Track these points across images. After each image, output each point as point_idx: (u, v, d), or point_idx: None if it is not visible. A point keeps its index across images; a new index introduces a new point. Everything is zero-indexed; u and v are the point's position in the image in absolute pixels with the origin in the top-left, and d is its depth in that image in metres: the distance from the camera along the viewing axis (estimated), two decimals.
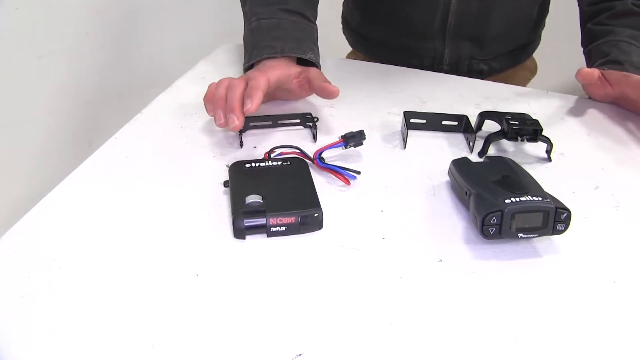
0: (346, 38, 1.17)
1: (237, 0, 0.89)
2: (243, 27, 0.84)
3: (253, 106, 0.64)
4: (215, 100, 0.67)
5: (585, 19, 0.97)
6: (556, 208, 0.54)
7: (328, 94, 0.71)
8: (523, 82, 1.15)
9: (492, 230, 0.53)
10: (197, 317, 0.45)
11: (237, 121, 0.64)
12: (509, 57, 1.09)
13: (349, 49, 1.18)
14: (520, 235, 0.54)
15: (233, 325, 0.45)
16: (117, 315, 0.45)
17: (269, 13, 0.81)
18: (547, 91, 0.90)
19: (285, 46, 0.77)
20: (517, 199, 0.53)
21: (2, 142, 1.37)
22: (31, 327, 0.44)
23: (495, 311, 0.48)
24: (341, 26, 1.18)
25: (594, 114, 0.84)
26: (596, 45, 0.91)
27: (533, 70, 1.18)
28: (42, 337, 0.43)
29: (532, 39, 1.11)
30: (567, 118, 0.83)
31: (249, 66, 0.78)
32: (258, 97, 0.65)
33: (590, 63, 0.91)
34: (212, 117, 0.68)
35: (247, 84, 0.68)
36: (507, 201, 0.53)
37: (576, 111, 0.84)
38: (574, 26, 1.00)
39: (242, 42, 0.85)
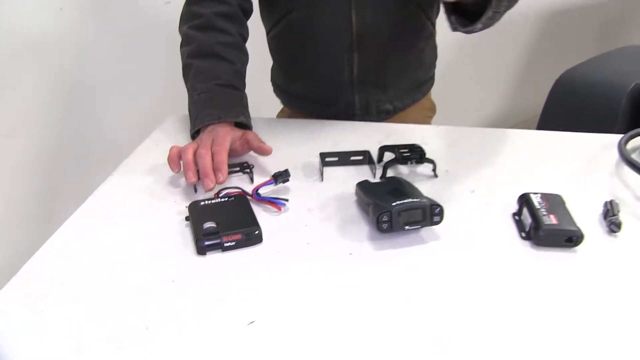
0: (278, 97, 1.39)
1: (177, 75, 1.10)
2: (188, 100, 1.05)
3: (223, 178, 0.87)
4: (185, 164, 0.89)
5: None
6: (431, 204, 0.75)
7: (263, 152, 0.96)
8: (426, 120, 1.39)
9: (385, 226, 0.74)
10: (175, 308, 0.64)
11: (212, 184, 0.86)
12: (408, 96, 1.31)
13: (279, 108, 1.40)
14: (407, 227, 0.75)
15: (200, 308, 0.64)
16: (118, 309, 0.64)
17: (206, 88, 1.03)
18: (438, 125, 1.14)
19: (221, 113, 0.99)
20: (402, 201, 0.75)
21: None
22: (48, 331, 0.62)
23: (393, 283, 0.69)
24: (272, 88, 1.40)
25: (474, 139, 1.07)
26: None
27: (432, 109, 1.42)
28: (56, 336, 0.61)
29: (425, 80, 1.35)
30: (453, 144, 1.06)
31: (195, 131, 0.99)
32: (225, 169, 0.88)
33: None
34: (175, 173, 0.91)
35: (212, 154, 0.90)
36: (394, 204, 0.74)
37: (461, 138, 1.08)
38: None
39: (186, 112, 1.06)
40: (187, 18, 1.11)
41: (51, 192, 1.68)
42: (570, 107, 1.80)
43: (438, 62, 1.35)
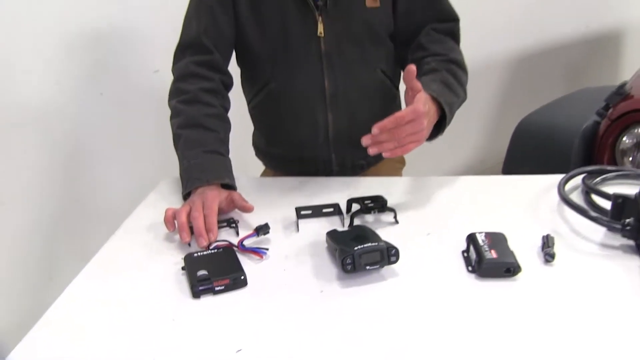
0: (260, 160, 1.56)
1: (168, 140, 1.26)
2: (179, 166, 1.21)
3: (214, 237, 1.04)
4: (180, 225, 1.05)
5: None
6: (387, 247, 0.91)
7: (246, 210, 1.12)
8: (397, 172, 1.56)
9: (349, 267, 0.89)
10: (176, 341, 0.79)
11: (205, 243, 1.02)
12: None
13: (262, 168, 1.57)
14: (368, 267, 0.90)
15: (197, 340, 0.79)
16: (129, 345, 0.78)
17: (195, 155, 1.19)
18: (402, 177, 1.30)
19: (209, 177, 1.16)
20: (362, 246, 0.90)
21: None
22: None
23: (358, 315, 0.84)
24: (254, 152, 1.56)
25: (432, 187, 1.24)
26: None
27: (402, 161, 1.59)
28: None
29: None
30: (414, 193, 1.23)
31: (186, 193, 1.16)
32: (216, 230, 1.05)
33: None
34: (170, 232, 1.07)
35: (204, 216, 1.06)
36: (356, 248, 0.89)
37: (420, 188, 1.25)
38: None
39: (177, 175, 1.22)
40: (176, 94, 1.29)
41: (51, 253, 1.82)
42: (530, 150, 1.98)
43: None
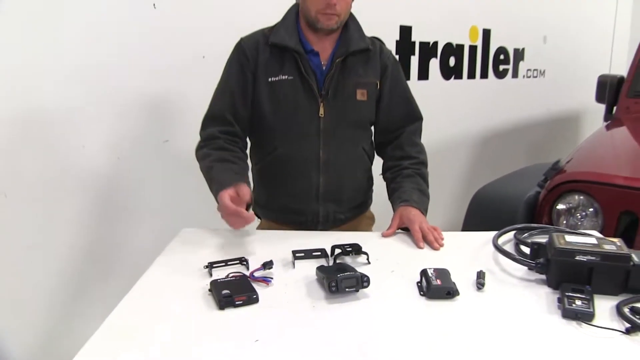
0: (258, 212, 1.89)
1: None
2: (209, 185, 1.58)
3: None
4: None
5: (386, 168, 1.86)
6: (361, 275, 1.26)
7: (245, 196, 1.52)
8: (368, 228, 1.93)
9: (333, 288, 1.24)
10: (208, 339, 1.11)
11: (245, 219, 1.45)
12: (355, 210, 1.88)
13: (257, 222, 1.92)
14: (347, 289, 1.25)
15: (223, 336, 1.12)
16: (174, 344, 1.10)
17: (226, 174, 1.57)
18: (374, 231, 1.66)
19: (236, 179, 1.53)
20: (343, 274, 1.25)
21: None
22: None
23: (339, 323, 1.18)
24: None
25: (396, 240, 1.61)
26: (397, 193, 1.74)
27: (372, 219, 1.97)
28: None
29: (366, 198, 1.92)
30: (382, 242, 1.59)
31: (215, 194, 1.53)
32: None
33: (391, 197, 1.78)
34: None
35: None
36: (338, 275, 1.25)
37: (388, 239, 1.61)
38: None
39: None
40: (206, 145, 1.69)
41: (78, 292, 2.08)
42: (483, 216, 2.37)
43: (381, 184, 1.90)
